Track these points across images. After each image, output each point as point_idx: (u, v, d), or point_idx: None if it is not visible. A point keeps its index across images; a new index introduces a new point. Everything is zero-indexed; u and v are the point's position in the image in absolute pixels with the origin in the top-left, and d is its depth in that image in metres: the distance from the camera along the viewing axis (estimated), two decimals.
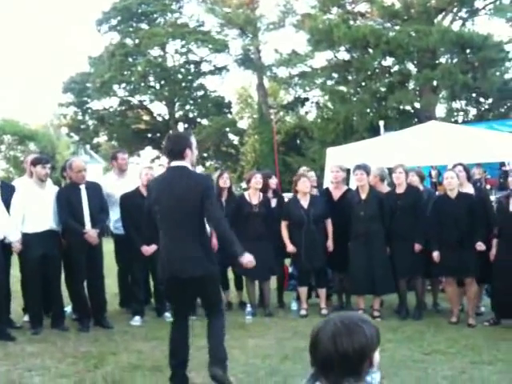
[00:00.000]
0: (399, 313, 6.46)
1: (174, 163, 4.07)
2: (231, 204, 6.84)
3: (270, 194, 6.97)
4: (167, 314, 6.04)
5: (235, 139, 33.18)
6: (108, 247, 6.72)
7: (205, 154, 32.30)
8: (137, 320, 6.20)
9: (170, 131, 28.14)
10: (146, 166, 6.83)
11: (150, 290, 6.86)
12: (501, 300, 5.82)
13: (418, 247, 6.25)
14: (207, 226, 4.32)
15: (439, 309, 6.72)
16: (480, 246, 5.86)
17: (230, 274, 7.04)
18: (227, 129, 31.49)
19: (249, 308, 6.42)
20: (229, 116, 32.32)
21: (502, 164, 11.20)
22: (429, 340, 5.49)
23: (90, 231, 5.98)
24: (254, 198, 6.72)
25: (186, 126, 30.78)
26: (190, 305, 4.47)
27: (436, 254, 6.01)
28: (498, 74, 22.96)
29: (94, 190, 6.20)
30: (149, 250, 6.19)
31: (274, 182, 7.13)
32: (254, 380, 4.37)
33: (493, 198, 8.08)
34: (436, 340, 5.48)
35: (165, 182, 4.14)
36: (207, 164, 33.45)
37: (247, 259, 4.06)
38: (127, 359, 4.92)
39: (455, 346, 5.25)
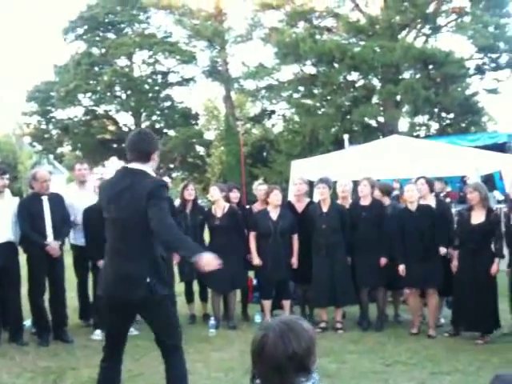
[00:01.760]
0: (361, 324, 6.53)
1: (134, 165, 3.49)
2: (196, 216, 6.83)
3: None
4: (131, 329, 5.96)
5: (202, 150, 33.15)
6: (69, 260, 6.61)
7: (171, 165, 32.16)
8: (98, 334, 6.09)
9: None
10: (98, 178, 6.71)
11: None
12: (461, 312, 5.94)
13: (383, 261, 6.34)
14: None
15: (400, 320, 6.82)
16: (442, 249, 5.98)
17: (195, 287, 7.01)
18: (194, 140, 31.46)
19: (212, 321, 6.39)
20: (195, 127, 32.32)
21: (463, 177, 11.48)
22: (390, 351, 5.56)
23: (52, 243, 5.88)
24: (218, 210, 6.72)
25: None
26: (123, 335, 3.62)
27: (402, 268, 6.11)
28: (459, 89, 23.60)
29: (57, 201, 6.11)
30: None
31: (235, 195, 7.10)
32: None
33: (453, 210, 8.27)
34: (397, 351, 5.56)
35: (115, 186, 3.51)
36: (173, 175, 33.27)
37: (205, 260, 3.31)
38: (87, 374, 4.83)
39: (415, 357, 5.33)
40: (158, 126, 31.91)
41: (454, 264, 5.98)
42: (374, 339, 6.02)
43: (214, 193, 6.75)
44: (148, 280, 3.35)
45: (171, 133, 31.49)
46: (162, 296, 3.43)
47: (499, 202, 10.41)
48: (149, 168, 3.51)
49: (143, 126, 31.17)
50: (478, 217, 5.84)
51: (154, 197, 3.33)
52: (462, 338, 5.95)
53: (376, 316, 6.58)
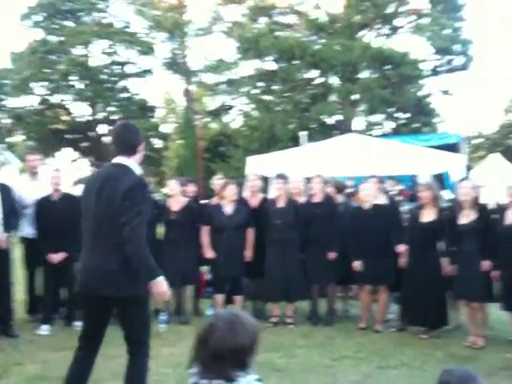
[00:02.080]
0: (311, 319, 6.63)
1: (119, 159, 3.41)
2: (151, 210, 6.76)
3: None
4: (76, 323, 5.87)
5: (158, 143, 32.77)
6: (17, 252, 6.45)
7: None
8: (44, 329, 5.98)
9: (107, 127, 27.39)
10: (53, 169, 6.55)
11: (59, 298, 6.60)
12: (409, 307, 6.10)
13: (331, 255, 6.43)
14: None
15: (349, 315, 6.96)
16: (400, 247, 6.12)
17: None
18: (150, 132, 31.04)
19: (163, 316, 6.36)
20: (153, 120, 31.91)
21: (414, 176, 11.75)
22: (338, 345, 5.67)
23: None
24: (175, 204, 6.67)
25: (109, 128, 30.10)
26: (100, 328, 3.54)
27: (357, 264, 6.21)
28: (413, 90, 24.11)
29: (5, 192, 5.95)
30: (55, 257, 6.02)
31: (190, 189, 7.07)
32: None
33: (404, 208, 8.46)
34: (345, 345, 5.68)
35: (96, 181, 3.43)
36: None
37: (159, 289, 3.31)
38: (33, 370, 4.74)
39: (363, 351, 5.46)
40: (114, 117, 31.31)
41: (403, 260, 6.13)
42: (323, 334, 6.12)
43: (174, 187, 6.71)
44: (123, 277, 3.28)
45: None
46: (138, 296, 3.38)
47: (448, 201, 10.69)
48: (134, 162, 3.45)
49: (99, 116, 30.61)
50: (428, 215, 6.00)
51: (130, 198, 3.23)
52: (408, 333, 6.13)
53: (326, 311, 6.69)
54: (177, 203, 6.67)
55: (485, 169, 16.49)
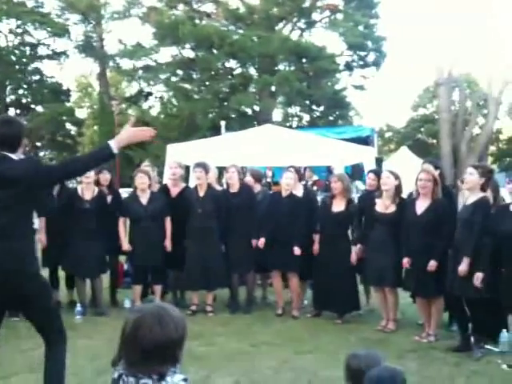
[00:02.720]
0: (230, 307, 6.71)
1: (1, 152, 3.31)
2: (63, 197, 6.53)
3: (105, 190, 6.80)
4: None
5: (73, 129, 31.57)
6: None
7: (38, 144, 30.27)
8: None
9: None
10: None
11: None
12: (321, 293, 6.32)
13: (254, 243, 6.52)
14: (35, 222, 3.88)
15: (268, 302, 7.11)
16: (296, 251, 6.27)
17: (61, 273, 6.74)
18: (64, 117, 29.83)
19: (79, 307, 6.20)
20: (67, 104, 30.65)
21: (329, 167, 12.14)
22: (256, 332, 5.79)
23: None
24: (87, 192, 6.48)
25: (19, 111, 28.62)
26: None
27: (261, 241, 6.35)
28: (329, 84, 24.80)
29: None
30: None
31: (104, 177, 6.87)
32: (81, 381, 4.26)
33: (319, 198, 8.73)
34: (263, 332, 5.80)
35: None
36: (41, 154, 31.38)
37: (126, 135, 3.24)
38: None
39: (280, 337, 5.60)
40: (24, 100, 29.81)
41: (316, 248, 6.33)
42: (242, 321, 6.22)
43: (90, 174, 6.51)
44: (28, 263, 3.25)
45: (39, 109, 29.57)
46: (42, 282, 3.37)
47: (363, 191, 11.14)
48: (15, 155, 3.32)
49: (8, 100, 29.00)
50: (338, 205, 6.22)
51: (38, 170, 3.27)
52: (323, 319, 6.34)
53: (245, 299, 6.79)
54: (89, 191, 6.47)
55: (395, 161, 17.30)
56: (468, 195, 5.15)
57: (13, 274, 3.18)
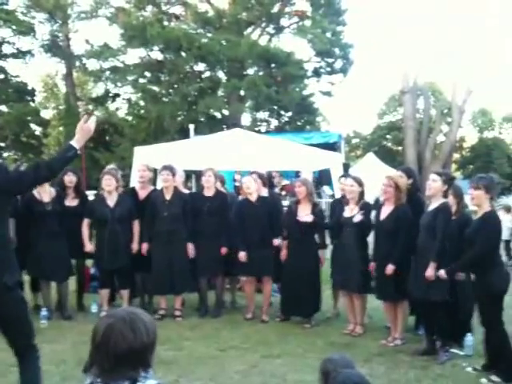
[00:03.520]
0: (199, 311, 6.68)
1: None
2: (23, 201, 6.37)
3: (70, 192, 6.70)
4: None
5: (38, 130, 30.94)
6: None
7: (2, 144, 29.56)
8: None
9: None
10: None
11: None
12: (287, 297, 6.35)
13: (224, 250, 6.52)
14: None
15: (237, 306, 7.10)
16: (276, 241, 6.34)
17: (25, 276, 6.59)
18: (29, 118, 29.20)
19: (44, 312, 6.08)
20: (31, 104, 30.02)
21: (297, 172, 12.22)
22: (225, 337, 5.78)
23: None
24: (44, 195, 6.34)
25: None
26: None
27: (242, 255, 6.34)
28: (297, 89, 24.95)
29: None
30: None
31: (69, 179, 6.73)
32: None
33: (287, 202, 8.79)
34: (232, 336, 5.80)
35: None
36: (5, 155, 30.62)
37: (82, 131, 3.32)
38: None
39: (249, 342, 5.61)
40: None
41: (284, 253, 6.36)
42: (211, 325, 6.20)
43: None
44: (6, 274, 3.20)
45: (3, 108, 28.88)
46: (20, 293, 3.35)
47: (330, 196, 11.26)
48: None
49: None
50: (304, 210, 6.27)
51: (8, 177, 3.29)
52: (292, 323, 6.38)
53: (214, 303, 6.77)
54: (45, 194, 6.34)
55: (361, 167, 17.55)
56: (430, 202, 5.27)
57: None
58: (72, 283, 6.77)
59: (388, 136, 37.31)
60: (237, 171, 11.10)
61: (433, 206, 5.13)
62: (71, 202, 6.71)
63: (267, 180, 7.15)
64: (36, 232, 6.26)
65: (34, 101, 30.65)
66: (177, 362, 4.90)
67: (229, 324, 6.28)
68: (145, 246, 6.45)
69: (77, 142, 3.27)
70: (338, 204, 6.40)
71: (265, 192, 6.73)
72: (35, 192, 6.32)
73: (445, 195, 5.19)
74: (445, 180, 5.17)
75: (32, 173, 3.35)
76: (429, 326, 5.23)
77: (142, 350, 1.78)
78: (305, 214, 6.18)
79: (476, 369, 4.73)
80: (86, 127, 3.31)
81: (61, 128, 29.64)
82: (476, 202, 4.61)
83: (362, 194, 5.97)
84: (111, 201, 6.42)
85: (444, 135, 25.60)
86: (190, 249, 6.46)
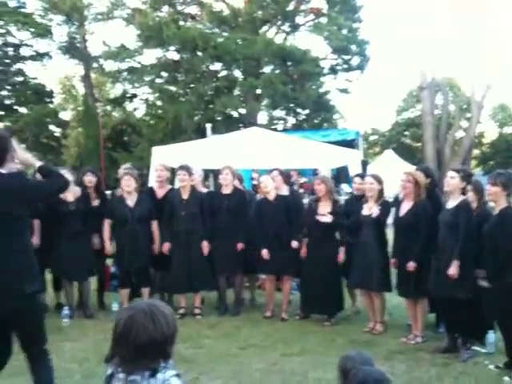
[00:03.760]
0: (218, 309, 6.70)
1: None
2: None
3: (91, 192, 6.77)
4: None
5: (57, 131, 31.30)
6: None
7: (22, 146, 29.94)
8: None
9: None
10: None
11: None
12: (308, 296, 6.34)
13: (240, 245, 6.52)
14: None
15: (256, 304, 7.11)
16: (294, 243, 6.32)
17: (48, 275, 6.69)
18: (48, 119, 29.56)
19: (66, 310, 6.15)
20: (50, 106, 30.38)
21: (315, 170, 12.19)
22: (245, 335, 5.79)
23: None
24: (68, 195, 6.42)
25: (2, 113, 28.31)
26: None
27: (265, 252, 6.33)
28: (314, 87, 24.87)
29: None
30: None
31: (89, 179, 6.77)
32: None
33: (306, 201, 8.75)
34: (251, 334, 5.80)
35: None
36: None
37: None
38: None
39: (269, 340, 5.61)
40: (8, 101, 29.48)
41: (303, 251, 6.34)
42: (230, 323, 6.21)
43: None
44: (25, 281, 3.23)
45: (23, 110, 29.27)
46: (39, 300, 3.38)
47: (348, 194, 11.20)
48: (2, 170, 3.30)
49: None
50: (324, 208, 6.25)
51: (28, 185, 3.35)
52: (311, 321, 6.37)
53: (233, 301, 6.79)
54: (70, 194, 6.41)
55: (380, 164, 17.43)
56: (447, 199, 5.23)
57: (9, 293, 3.16)
58: (93, 282, 6.84)
59: (406, 132, 37.05)
60: (254, 170, 11.11)
61: (451, 203, 5.08)
62: (93, 202, 6.78)
63: (288, 177, 7.11)
64: (59, 231, 6.35)
65: (52, 102, 31.04)
66: (197, 360, 4.92)
67: (248, 322, 6.29)
68: (166, 246, 6.49)
69: (35, 162, 3.45)
70: (354, 201, 6.36)
71: (286, 190, 6.71)
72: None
73: (463, 192, 5.15)
74: (463, 176, 5.14)
75: (50, 184, 3.42)
76: (450, 323, 5.18)
77: (162, 341, 1.83)
78: (325, 212, 6.16)
79: (498, 366, 4.68)
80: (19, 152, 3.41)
81: (80, 129, 29.92)
82: (492, 198, 4.57)
83: (381, 192, 5.92)
84: (131, 201, 6.47)
85: (463, 131, 25.32)
86: (206, 247, 6.47)
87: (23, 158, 3.43)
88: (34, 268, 3.36)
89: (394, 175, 7.96)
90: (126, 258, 6.41)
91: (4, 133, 3.41)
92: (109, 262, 7.24)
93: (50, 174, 3.42)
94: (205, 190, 7.20)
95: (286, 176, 6.88)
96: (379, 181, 5.93)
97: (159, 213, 6.54)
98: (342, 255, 6.17)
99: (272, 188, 6.47)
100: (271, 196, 6.47)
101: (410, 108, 37.68)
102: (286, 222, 6.37)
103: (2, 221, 3.19)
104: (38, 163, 3.44)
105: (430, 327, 5.78)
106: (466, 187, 5.18)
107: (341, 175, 12.06)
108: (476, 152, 34.23)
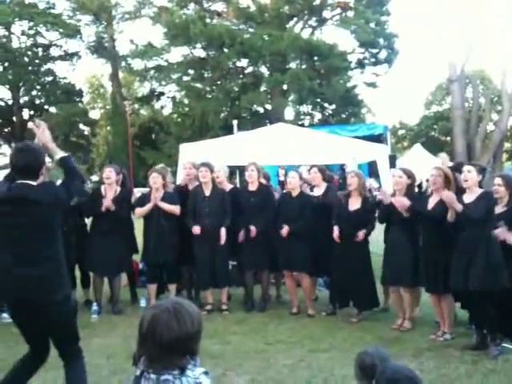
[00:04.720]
0: (245, 305, 6.71)
1: (23, 181, 3.28)
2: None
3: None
4: (4, 315, 5.66)
5: (86, 130, 31.81)
6: None
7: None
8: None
9: (18, 144, 26.16)
10: None
11: None
12: (338, 291, 6.30)
13: (284, 231, 6.34)
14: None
15: (282, 301, 7.10)
16: (284, 230, 6.28)
17: (77, 272, 6.80)
18: (77, 118, 30.07)
19: (95, 306, 6.24)
20: (80, 105, 30.89)
21: (342, 165, 12.10)
22: (271, 331, 5.78)
23: None
24: (110, 192, 6.54)
25: (32, 112, 28.91)
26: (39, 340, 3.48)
27: (285, 228, 6.29)
28: (341, 82, 24.69)
29: None
30: None
31: (117, 177, 6.88)
32: (97, 380, 4.26)
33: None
34: (278, 330, 5.79)
35: (8, 200, 3.28)
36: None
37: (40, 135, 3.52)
38: None
39: (295, 336, 5.59)
40: (38, 101, 30.10)
41: (336, 236, 6.16)
42: (257, 320, 6.22)
43: (110, 174, 6.57)
44: (51, 290, 3.27)
45: (52, 109, 29.87)
46: (70, 301, 3.41)
47: (377, 189, 11.09)
48: (36, 182, 3.33)
49: (21, 101, 29.28)
50: (354, 203, 6.19)
51: (58, 194, 3.37)
52: (339, 317, 6.32)
53: (260, 297, 6.79)
54: (111, 191, 6.53)
55: (408, 159, 17.20)
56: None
57: (36, 302, 3.23)
58: (123, 278, 6.92)
59: (435, 126, 36.46)
60: (280, 166, 11.09)
61: (471, 197, 5.02)
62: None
63: (326, 174, 7.01)
64: (92, 227, 6.47)
65: (82, 102, 31.56)
66: (224, 356, 4.94)
67: (275, 318, 6.28)
68: (196, 229, 6.44)
69: (56, 151, 3.44)
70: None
71: (323, 186, 6.67)
72: (102, 188, 6.58)
73: (480, 185, 5.21)
74: (479, 170, 5.22)
75: (75, 188, 3.45)
76: (479, 319, 5.08)
77: (187, 339, 1.83)
78: (356, 208, 6.10)
79: None
80: (39, 136, 3.43)
81: (108, 127, 30.34)
82: None
83: (410, 187, 5.81)
84: (158, 197, 6.53)
85: (494, 124, 24.80)
86: (223, 234, 6.44)
87: (44, 141, 3.44)
88: (64, 274, 3.42)
89: (423, 170, 7.83)
90: (151, 253, 6.48)
91: (40, 147, 3.44)
92: (136, 257, 7.32)
93: (68, 170, 3.44)
94: (230, 186, 7.20)
95: (324, 172, 6.81)
96: (409, 175, 5.79)
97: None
98: (361, 234, 6.07)
99: (296, 185, 6.43)
100: (295, 192, 6.45)
101: (438, 101, 37.09)
102: (303, 218, 6.32)
103: (33, 230, 3.25)
104: (60, 154, 3.44)
105: (463, 324, 5.68)
106: (481, 181, 5.29)
107: (372, 170, 11.94)
108: (507, 145, 33.50)
